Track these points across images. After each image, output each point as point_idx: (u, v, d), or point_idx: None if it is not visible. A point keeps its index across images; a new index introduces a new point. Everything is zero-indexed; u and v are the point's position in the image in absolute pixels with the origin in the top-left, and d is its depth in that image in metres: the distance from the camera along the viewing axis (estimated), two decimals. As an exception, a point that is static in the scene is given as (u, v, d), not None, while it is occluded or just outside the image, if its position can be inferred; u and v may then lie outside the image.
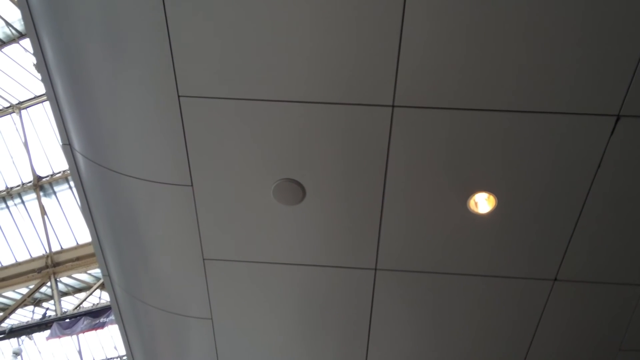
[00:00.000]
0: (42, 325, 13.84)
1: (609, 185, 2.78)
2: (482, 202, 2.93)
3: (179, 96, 2.68)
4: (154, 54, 2.58)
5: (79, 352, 16.79)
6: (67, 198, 15.56)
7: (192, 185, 3.02)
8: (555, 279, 3.22)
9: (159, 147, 2.93)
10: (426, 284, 3.36)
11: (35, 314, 16.56)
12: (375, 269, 3.31)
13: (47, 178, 15.31)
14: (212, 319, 3.78)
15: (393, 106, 2.61)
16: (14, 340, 15.13)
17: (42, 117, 14.79)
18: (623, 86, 2.46)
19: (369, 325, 3.66)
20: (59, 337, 13.35)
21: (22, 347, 15.61)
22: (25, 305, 16.23)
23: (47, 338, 13.50)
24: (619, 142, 2.63)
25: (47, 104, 13.75)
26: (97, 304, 14.64)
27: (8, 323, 14.84)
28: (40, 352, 17.35)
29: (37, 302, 16.74)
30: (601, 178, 2.76)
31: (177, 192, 3.06)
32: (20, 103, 14.68)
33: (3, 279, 15.66)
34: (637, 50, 2.35)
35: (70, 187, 15.23)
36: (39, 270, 15.35)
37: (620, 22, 2.29)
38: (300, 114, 2.69)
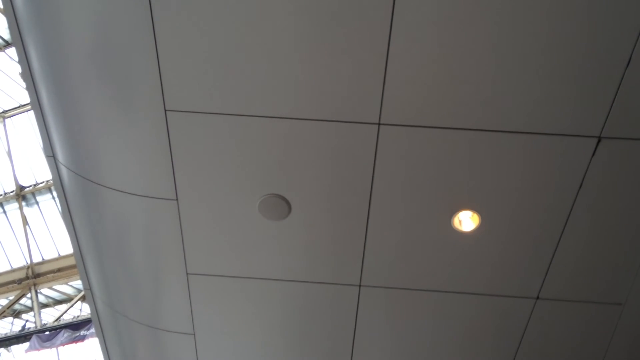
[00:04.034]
0: (21, 337, 13.60)
1: (591, 205, 2.82)
2: (466, 220, 2.95)
3: (165, 110, 2.67)
4: (141, 67, 2.58)
5: (58, 365, 16.49)
6: (49, 208, 15.37)
7: (177, 200, 3.01)
8: (538, 298, 3.24)
9: (144, 160, 2.92)
10: (410, 301, 3.36)
11: (14, 326, 16.27)
12: (360, 285, 3.31)
13: (30, 188, 15.14)
14: (194, 334, 3.74)
15: (379, 124, 2.64)
16: (-9, 353, 14.84)
17: (27, 126, 14.66)
18: (604, 108, 2.50)
19: (352, 341, 3.65)
20: (38, 349, 13.12)
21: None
22: (4, 316, 15.94)
23: (26, 351, 13.27)
24: (600, 164, 2.67)
25: (31, 113, 13.63)
26: (78, 316, 14.43)
27: (-14, 335, 14.55)
28: (18, 365, 17.01)
29: (17, 314, 16.47)
30: (583, 198, 2.79)
31: (161, 206, 3.04)
32: (5, 112, 14.54)
33: (-18, 290, 15.40)
34: (619, 72, 2.40)
35: (53, 197, 15.06)
36: (19, 281, 15.11)
37: (601, 44, 2.34)
38: (286, 130, 2.70)
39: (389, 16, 2.33)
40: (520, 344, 3.50)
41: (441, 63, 2.44)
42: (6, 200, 15.28)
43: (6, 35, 12.66)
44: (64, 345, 13.05)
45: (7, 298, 15.54)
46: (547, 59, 2.39)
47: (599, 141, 2.60)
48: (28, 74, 2.95)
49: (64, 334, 12.93)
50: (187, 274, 3.36)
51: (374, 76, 2.49)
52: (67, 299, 16.40)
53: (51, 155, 3.20)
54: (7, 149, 14.78)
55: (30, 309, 15.82)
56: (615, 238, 2.95)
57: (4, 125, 14.64)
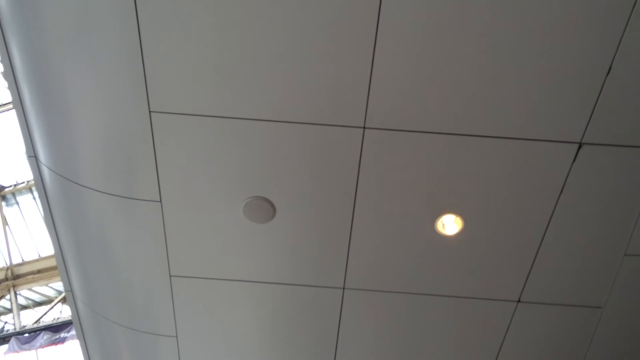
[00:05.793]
0: (-1, 339, 13.39)
1: (571, 210, 2.86)
2: (450, 224, 2.97)
3: (150, 112, 2.66)
4: (126, 69, 2.56)
5: (38, 368, 16.24)
6: (30, 208, 15.17)
7: (160, 201, 2.99)
8: (519, 301, 3.28)
9: (128, 161, 2.90)
10: (393, 304, 3.38)
11: (-8, 328, 16.02)
12: (343, 288, 3.31)
13: (10, 188, 14.92)
14: (177, 336, 3.72)
15: (364, 128, 2.65)
16: (-32, 355, 14.59)
17: (7, 125, 14.45)
18: (585, 114, 2.54)
19: (335, 344, 3.65)
20: (17, 352, 12.92)
21: (-23, 362, 15.04)
22: (-18, 318, 15.68)
23: (5, 353, 13.06)
24: (580, 169, 2.71)
25: (13, 112, 13.43)
26: (58, 318, 14.24)
27: (-37, 337, 14.29)
28: (-4, 368, 16.74)
29: (-5, 316, 16.20)
30: (563, 203, 2.83)
31: (145, 207, 3.02)
32: (-15, 110, 14.33)
33: (-40, 291, 15.13)
34: (599, 79, 2.44)
35: (34, 198, 14.86)
36: (-2, 282, 14.89)
37: (583, 50, 2.38)
38: (271, 133, 2.70)
39: (374, 21, 2.34)
40: (501, 346, 3.53)
41: (426, 69, 2.46)
42: (-15, 200, 15.05)
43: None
44: (43, 348, 12.87)
45: (-15, 299, 15.30)
46: (528, 65, 2.42)
47: (579, 147, 2.64)
48: (10, 73, 2.91)
49: (44, 336, 12.76)
50: (170, 276, 3.34)
51: (359, 80, 2.50)
52: (47, 301, 16.19)
53: (33, 156, 3.17)
54: (-13, 148, 14.55)
55: (9, 310, 15.57)
56: (596, 243, 2.99)
57: (-16, 124, 14.42)
